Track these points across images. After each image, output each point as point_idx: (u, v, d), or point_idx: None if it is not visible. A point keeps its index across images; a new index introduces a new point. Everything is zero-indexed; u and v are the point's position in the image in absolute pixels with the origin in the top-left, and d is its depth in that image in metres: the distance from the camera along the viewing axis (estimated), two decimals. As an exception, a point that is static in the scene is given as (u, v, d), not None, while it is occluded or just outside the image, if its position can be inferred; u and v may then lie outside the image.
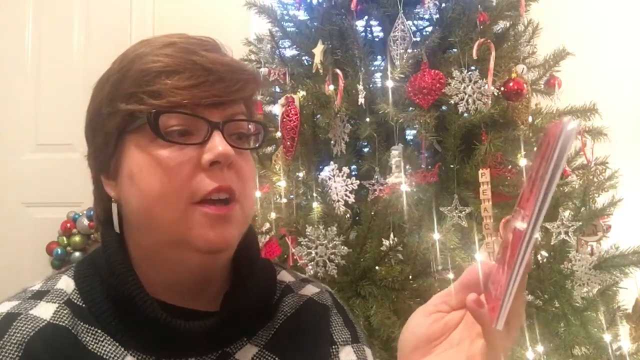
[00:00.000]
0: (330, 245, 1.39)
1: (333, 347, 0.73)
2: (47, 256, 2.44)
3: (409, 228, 1.42)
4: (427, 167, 1.52)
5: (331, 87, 1.50)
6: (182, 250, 0.62)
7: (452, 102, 1.44)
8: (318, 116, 1.61)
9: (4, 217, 2.55)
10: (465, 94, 1.44)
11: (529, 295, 1.47)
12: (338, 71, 1.50)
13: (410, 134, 1.68)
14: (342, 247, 1.39)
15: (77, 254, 2.41)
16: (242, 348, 0.67)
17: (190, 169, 0.60)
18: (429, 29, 1.72)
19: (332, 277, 1.40)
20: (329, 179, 1.50)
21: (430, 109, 1.46)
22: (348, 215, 1.52)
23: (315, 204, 1.49)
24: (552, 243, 1.43)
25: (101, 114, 0.64)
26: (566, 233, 1.40)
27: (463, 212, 1.45)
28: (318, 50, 1.54)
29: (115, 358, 0.61)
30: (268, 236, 1.53)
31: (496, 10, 1.57)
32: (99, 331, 0.62)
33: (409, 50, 1.50)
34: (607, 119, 1.66)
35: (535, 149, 1.54)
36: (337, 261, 1.39)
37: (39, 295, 0.65)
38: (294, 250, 1.44)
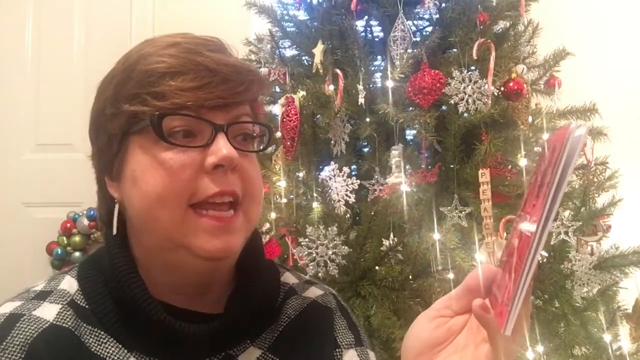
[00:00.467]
0: (331, 245, 1.39)
1: (336, 350, 0.73)
2: (47, 256, 2.44)
3: (409, 228, 1.42)
4: (427, 167, 1.51)
5: (331, 87, 1.50)
6: (184, 254, 0.61)
7: (452, 102, 1.44)
8: (318, 116, 1.61)
9: (4, 217, 2.54)
10: (465, 94, 1.44)
11: (529, 295, 1.46)
12: (338, 71, 1.50)
13: (410, 134, 1.68)
14: (343, 246, 1.39)
15: (77, 254, 2.41)
16: (245, 350, 0.67)
17: (193, 171, 0.60)
18: (429, 29, 1.71)
19: (332, 277, 1.40)
20: (329, 179, 1.49)
21: (430, 109, 1.46)
22: (348, 215, 1.52)
23: (315, 204, 1.49)
24: (552, 243, 1.43)
25: (105, 115, 0.63)
26: (566, 233, 1.40)
27: (463, 212, 1.45)
28: (318, 50, 1.54)
29: (118, 360, 0.61)
30: (268, 236, 1.53)
31: (496, 10, 1.57)
32: (102, 333, 0.62)
33: (409, 50, 1.49)
34: (607, 119, 1.66)
35: (535, 149, 1.55)
36: (338, 261, 1.39)
37: (42, 296, 0.64)
38: (294, 250, 1.44)
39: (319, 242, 1.40)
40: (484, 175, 1.38)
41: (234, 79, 0.61)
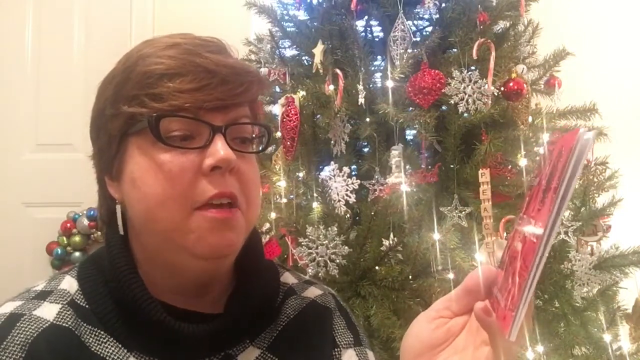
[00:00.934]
0: (331, 245, 1.39)
1: (335, 349, 0.73)
2: (47, 256, 2.44)
3: (409, 228, 1.42)
4: (427, 167, 1.52)
5: (331, 87, 1.50)
6: (184, 254, 0.61)
7: (452, 102, 1.44)
8: (318, 116, 1.61)
9: (4, 217, 2.55)
10: (465, 94, 1.44)
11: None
12: (338, 71, 1.50)
13: (410, 134, 1.68)
14: (343, 246, 1.39)
15: (77, 254, 2.41)
16: (244, 350, 0.67)
17: (191, 174, 0.59)
18: (429, 29, 1.71)
19: (332, 277, 1.40)
20: (329, 179, 1.49)
21: (430, 109, 1.46)
22: (348, 215, 1.52)
23: (315, 204, 1.49)
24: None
25: (105, 115, 0.64)
26: (566, 233, 1.40)
27: (463, 212, 1.45)
28: (318, 50, 1.54)
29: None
30: (268, 236, 1.53)
31: (496, 10, 1.57)
32: (102, 332, 0.62)
33: (409, 50, 1.49)
34: (607, 119, 1.66)
35: (535, 149, 1.55)
36: (338, 261, 1.39)
37: (42, 296, 0.65)
38: (294, 250, 1.44)
39: (319, 242, 1.40)
40: (484, 175, 1.38)
41: (233, 80, 0.61)
